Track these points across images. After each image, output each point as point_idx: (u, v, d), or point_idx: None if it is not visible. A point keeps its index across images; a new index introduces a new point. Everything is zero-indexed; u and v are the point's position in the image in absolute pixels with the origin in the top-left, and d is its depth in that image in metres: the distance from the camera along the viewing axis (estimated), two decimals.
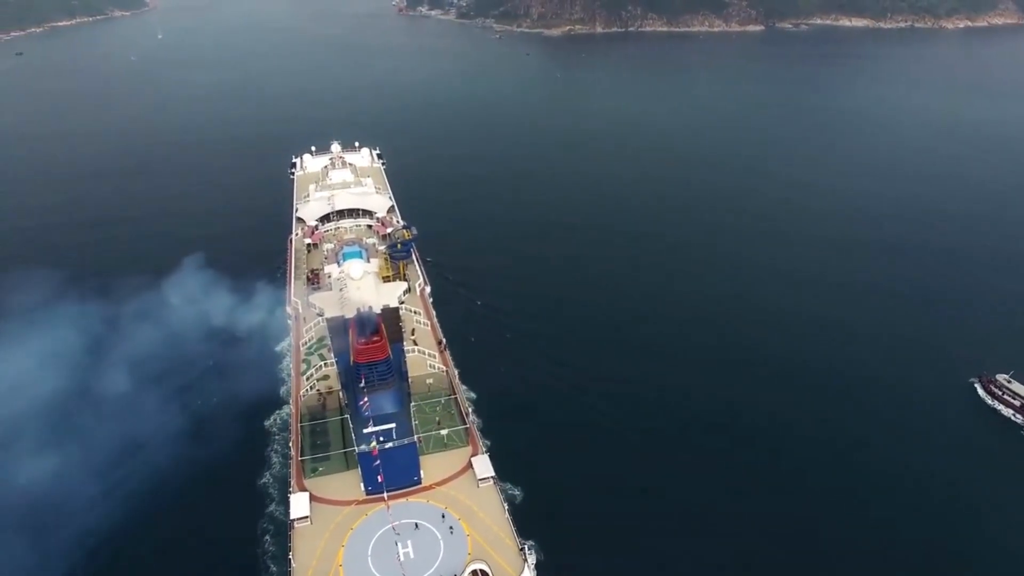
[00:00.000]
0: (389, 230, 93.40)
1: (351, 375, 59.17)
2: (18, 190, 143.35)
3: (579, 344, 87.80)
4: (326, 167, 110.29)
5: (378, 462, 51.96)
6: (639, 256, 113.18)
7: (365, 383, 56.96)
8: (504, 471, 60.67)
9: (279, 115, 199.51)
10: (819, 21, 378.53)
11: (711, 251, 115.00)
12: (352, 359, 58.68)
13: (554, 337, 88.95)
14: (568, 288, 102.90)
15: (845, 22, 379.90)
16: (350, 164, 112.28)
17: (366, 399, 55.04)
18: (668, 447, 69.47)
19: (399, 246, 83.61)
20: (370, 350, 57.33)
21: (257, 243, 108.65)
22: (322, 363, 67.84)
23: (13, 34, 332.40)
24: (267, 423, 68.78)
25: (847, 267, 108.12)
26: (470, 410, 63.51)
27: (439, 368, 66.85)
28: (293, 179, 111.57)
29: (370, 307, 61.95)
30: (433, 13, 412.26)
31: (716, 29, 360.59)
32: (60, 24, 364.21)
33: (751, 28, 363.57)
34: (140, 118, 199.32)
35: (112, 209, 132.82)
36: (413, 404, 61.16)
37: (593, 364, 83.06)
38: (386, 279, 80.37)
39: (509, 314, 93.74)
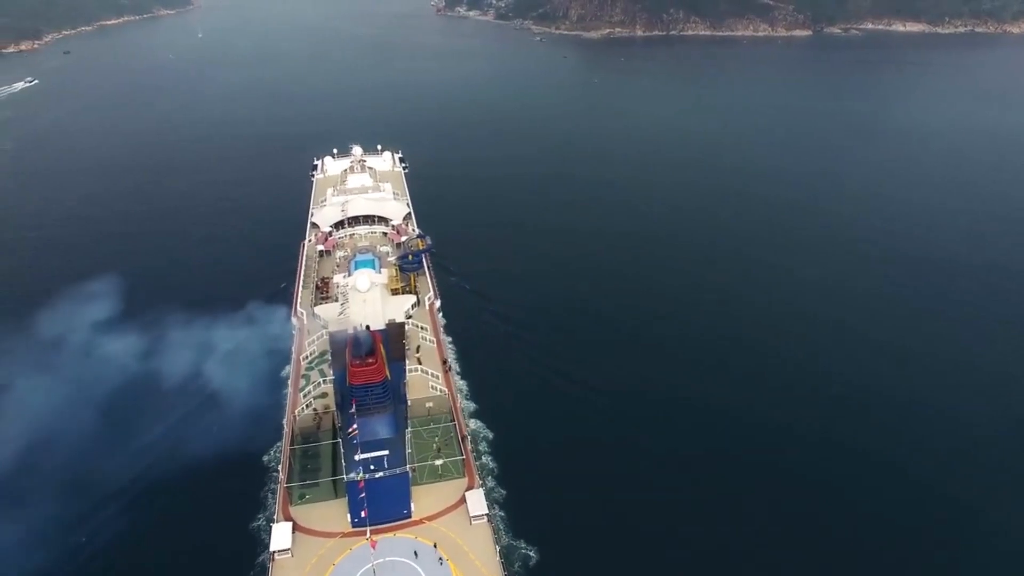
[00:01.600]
0: (404, 238, 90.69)
1: (347, 396, 56.30)
2: (36, 195, 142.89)
3: (608, 367, 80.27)
4: (345, 171, 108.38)
5: (363, 495, 48.84)
6: (677, 269, 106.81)
7: (357, 407, 53.85)
8: (509, 517, 57.01)
9: (308, 115, 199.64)
10: (870, 26, 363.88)
11: (757, 264, 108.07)
12: (347, 380, 55.94)
13: (578, 357, 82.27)
14: (595, 302, 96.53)
15: (899, 27, 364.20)
16: (370, 168, 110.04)
17: (355, 426, 51.88)
18: (708, 493, 61.82)
19: (411, 257, 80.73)
20: (365, 372, 54.30)
21: (273, 249, 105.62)
22: (321, 380, 65.05)
23: (64, 32, 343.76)
24: (266, 458, 62.90)
25: (901, 288, 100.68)
26: (470, 438, 59.82)
27: (441, 390, 63.38)
28: (313, 182, 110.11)
29: (367, 327, 58.92)
30: (471, 14, 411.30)
31: (761, 34, 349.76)
32: (108, 23, 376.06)
33: (798, 33, 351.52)
34: (167, 117, 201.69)
35: (123, 210, 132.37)
36: (411, 429, 57.86)
37: (624, 392, 75.76)
38: (395, 292, 77.24)
39: (530, 329, 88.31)
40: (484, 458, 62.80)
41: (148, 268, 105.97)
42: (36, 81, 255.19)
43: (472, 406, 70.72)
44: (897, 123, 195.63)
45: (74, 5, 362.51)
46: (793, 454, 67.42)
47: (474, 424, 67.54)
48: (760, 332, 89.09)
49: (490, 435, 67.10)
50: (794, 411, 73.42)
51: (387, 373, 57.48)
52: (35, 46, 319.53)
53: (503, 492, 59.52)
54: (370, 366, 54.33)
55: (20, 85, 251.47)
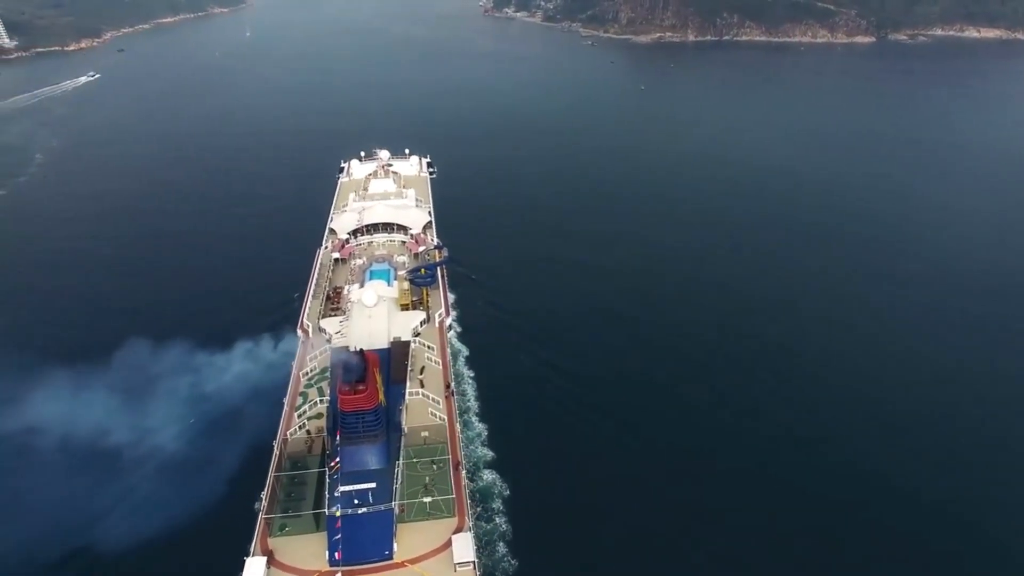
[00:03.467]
0: (421, 248, 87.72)
1: (339, 421, 53.22)
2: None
3: (665, 421, 70.53)
4: (369, 175, 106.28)
5: (338, 536, 45.59)
6: (727, 305, 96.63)
7: (344, 436, 50.71)
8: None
9: (343, 116, 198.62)
10: (940, 32, 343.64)
11: (817, 294, 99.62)
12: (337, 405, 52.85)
13: (623, 405, 72.65)
14: (646, 333, 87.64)
15: (972, 33, 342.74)
16: (394, 173, 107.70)
17: (336, 460, 48.65)
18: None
19: (423, 271, 77.29)
20: (355, 400, 51.03)
21: (293, 255, 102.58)
22: (319, 399, 62.16)
23: (124, 30, 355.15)
24: (257, 506, 54.84)
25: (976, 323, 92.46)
26: (465, 473, 55.68)
27: (440, 418, 59.59)
28: (338, 185, 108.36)
29: (360, 350, 55.52)
30: (519, 15, 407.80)
31: (820, 40, 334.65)
32: (165, 21, 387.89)
33: (859, 40, 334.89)
34: (205, 117, 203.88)
35: (150, 212, 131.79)
36: (403, 460, 54.33)
37: (682, 453, 66.58)
38: (405, 307, 73.97)
39: (569, 360, 79.89)
40: (497, 518, 57.66)
41: (169, 269, 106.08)
42: (98, 75, 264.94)
43: (489, 454, 63.89)
44: (972, 139, 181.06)
45: (133, 4, 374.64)
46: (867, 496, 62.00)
47: (489, 476, 61.37)
48: (830, 368, 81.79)
49: (506, 492, 60.31)
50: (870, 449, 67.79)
51: (381, 399, 54.13)
52: (94, 44, 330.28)
53: (514, 563, 53.84)
54: (360, 393, 51.05)
55: (83, 79, 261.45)
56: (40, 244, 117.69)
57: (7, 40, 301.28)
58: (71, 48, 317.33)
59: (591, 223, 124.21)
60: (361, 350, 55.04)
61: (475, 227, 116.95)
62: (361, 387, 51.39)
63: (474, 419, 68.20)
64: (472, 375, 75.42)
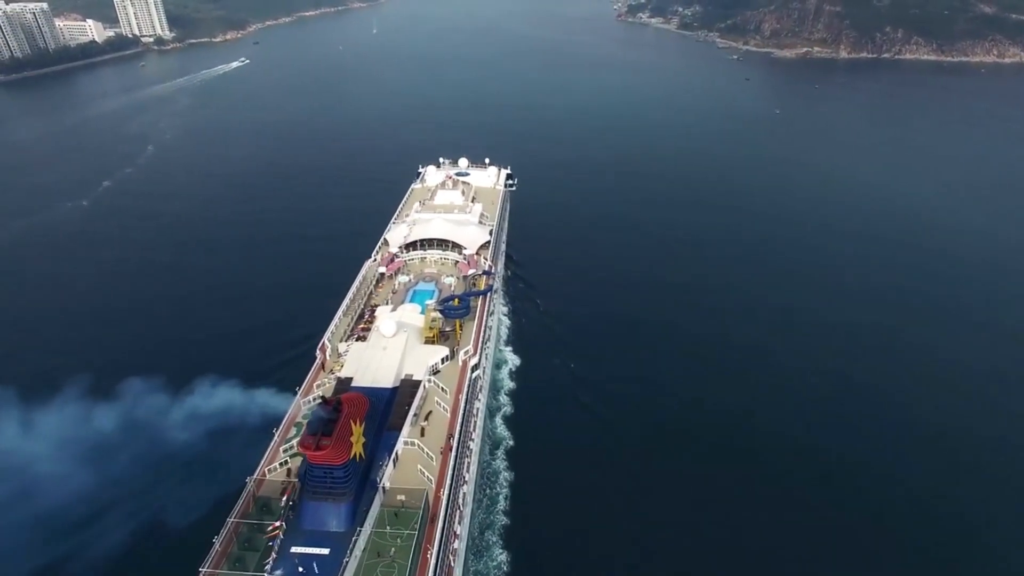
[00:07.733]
0: (470, 272, 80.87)
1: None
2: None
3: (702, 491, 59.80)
4: (437, 186, 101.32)
5: None
6: (846, 372, 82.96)
7: (303, 490, 44.85)
8: None
9: (446, 117, 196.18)
10: None
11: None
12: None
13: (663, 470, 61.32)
14: (717, 390, 76.54)
15: None
16: (465, 184, 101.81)
17: (277, 523, 42.67)
18: None
19: (456, 301, 70.08)
20: (317, 455, 44.87)
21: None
22: None
23: (267, 23, 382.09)
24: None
25: None
26: (435, 551, 47.40)
27: (428, 480, 51.86)
28: (408, 192, 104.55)
29: (338, 399, 49.05)
30: (653, 21, 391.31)
31: (1007, 60, 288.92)
32: (306, 14, 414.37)
33: None
34: (314, 111, 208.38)
35: (229, 211, 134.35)
36: (372, 526, 47.29)
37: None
38: (430, 340, 67.10)
39: (630, 463, 67.17)
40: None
41: (223, 270, 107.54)
42: (248, 61, 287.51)
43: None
44: None
45: None
46: None
47: None
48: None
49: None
50: None
51: (357, 451, 47.60)
52: (238, 36, 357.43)
53: None
54: (323, 448, 44.76)
55: (235, 64, 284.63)
56: (121, 241, 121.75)
57: (167, 32, 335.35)
58: (218, 40, 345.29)
59: (690, 270, 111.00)
60: (339, 399, 48.67)
61: (557, 252, 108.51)
62: (326, 441, 45.10)
63: (495, 542, 55.37)
64: (510, 477, 63.14)
